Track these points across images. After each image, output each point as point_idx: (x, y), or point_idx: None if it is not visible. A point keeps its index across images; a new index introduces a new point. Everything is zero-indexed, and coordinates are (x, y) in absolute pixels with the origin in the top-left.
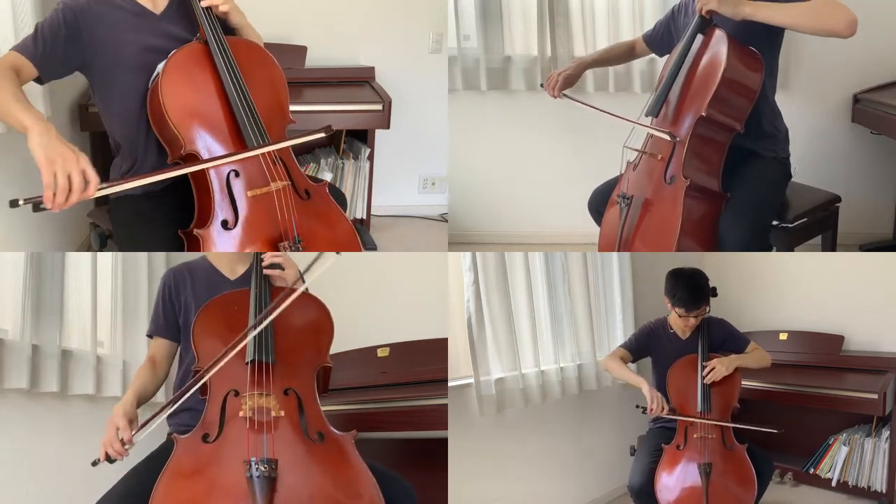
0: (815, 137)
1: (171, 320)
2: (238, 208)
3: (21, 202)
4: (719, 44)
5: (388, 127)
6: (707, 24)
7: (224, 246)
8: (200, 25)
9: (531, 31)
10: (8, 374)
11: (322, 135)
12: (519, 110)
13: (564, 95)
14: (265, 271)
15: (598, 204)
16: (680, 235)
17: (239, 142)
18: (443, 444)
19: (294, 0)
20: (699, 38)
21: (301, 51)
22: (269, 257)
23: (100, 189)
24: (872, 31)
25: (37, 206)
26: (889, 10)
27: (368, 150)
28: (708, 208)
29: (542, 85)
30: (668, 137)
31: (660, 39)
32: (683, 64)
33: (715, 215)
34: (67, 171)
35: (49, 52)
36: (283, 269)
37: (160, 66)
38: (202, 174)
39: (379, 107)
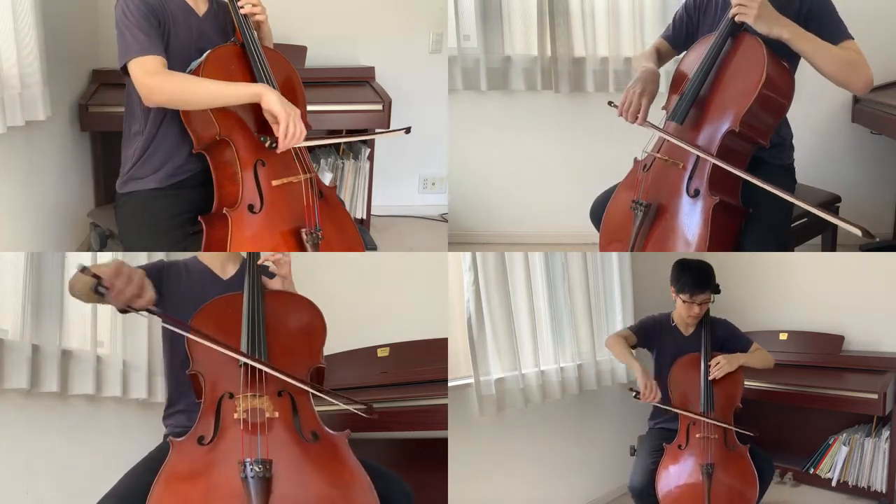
0: (815, 137)
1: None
2: (263, 195)
3: (267, 143)
4: (756, 54)
5: (388, 127)
6: (738, 27)
7: (250, 228)
8: (238, 29)
9: (531, 31)
10: (8, 374)
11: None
12: (519, 110)
13: (649, 124)
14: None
15: (601, 213)
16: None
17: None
18: (443, 444)
19: (294, 0)
20: (728, 42)
21: (301, 51)
22: (264, 259)
23: (306, 140)
24: (872, 31)
25: (271, 143)
26: (889, 10)
27: (368, 150)
28: (730, 223)
29: (611, 103)
30: (722, 165)
31: (683, 38)
32: (712, 69)
33: (736, 228)
34: (296, 121)
35: (160, 45)
36: (274, 275)
37: (196, 62)
38: (231, 162)
39: (379, 107)
